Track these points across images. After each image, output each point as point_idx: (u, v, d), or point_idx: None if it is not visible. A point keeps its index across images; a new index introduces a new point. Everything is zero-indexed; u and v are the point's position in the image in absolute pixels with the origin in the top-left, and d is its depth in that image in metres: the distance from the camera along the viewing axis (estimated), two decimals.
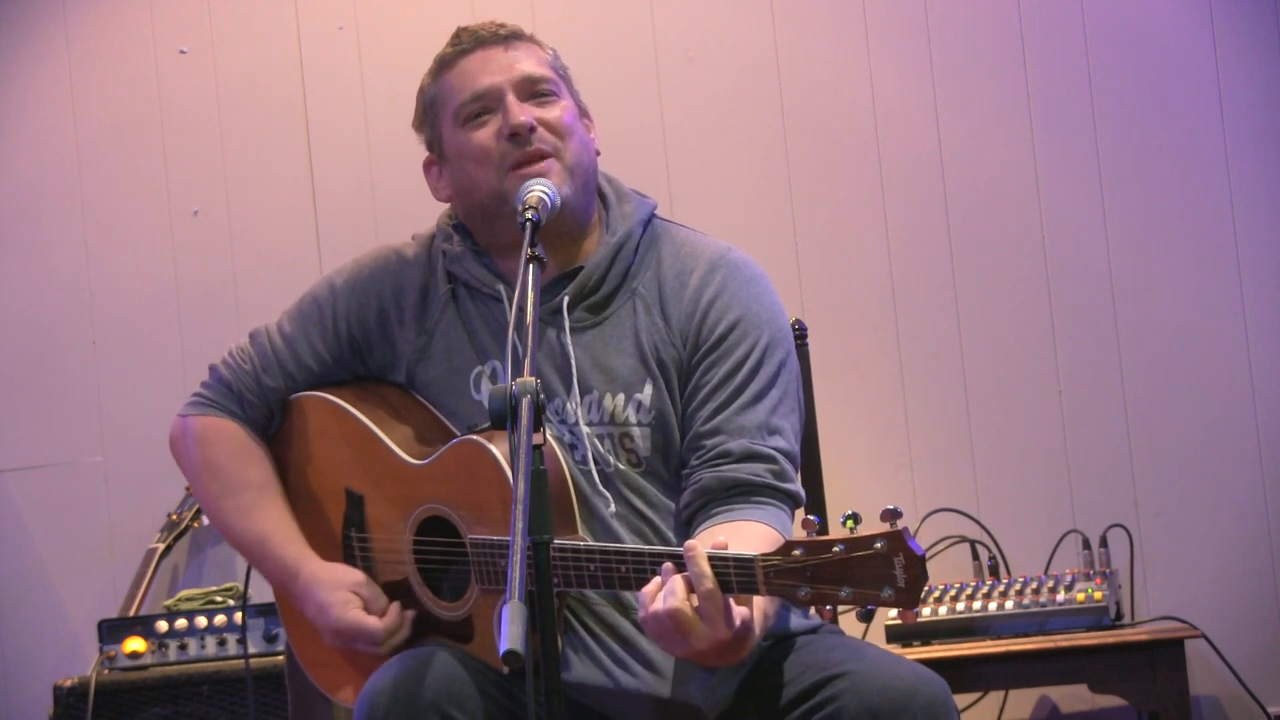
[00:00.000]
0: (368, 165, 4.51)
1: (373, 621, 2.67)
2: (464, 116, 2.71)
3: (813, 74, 4.42)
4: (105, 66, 4.59)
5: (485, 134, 2.69)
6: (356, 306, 2.82)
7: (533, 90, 2.69)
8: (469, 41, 2.73)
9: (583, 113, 2.77)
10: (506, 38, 2.72)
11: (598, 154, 2.77)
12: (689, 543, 2.32)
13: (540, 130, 2.66)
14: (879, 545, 2.20)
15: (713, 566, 2.30)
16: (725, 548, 2.31)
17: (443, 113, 2.75)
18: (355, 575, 2.73)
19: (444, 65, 2.75)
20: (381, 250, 2.86)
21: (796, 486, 2.64)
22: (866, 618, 2.24)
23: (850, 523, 2.26)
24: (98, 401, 4.52)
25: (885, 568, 2.20)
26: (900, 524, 2.21)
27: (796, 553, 2.25)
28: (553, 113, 2.69)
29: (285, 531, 2.79)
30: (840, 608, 2.25)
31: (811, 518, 2.29)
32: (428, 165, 2.83)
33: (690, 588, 2.30)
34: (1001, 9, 4.37)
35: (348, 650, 2.73)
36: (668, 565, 2.33)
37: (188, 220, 4.55)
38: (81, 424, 4.52)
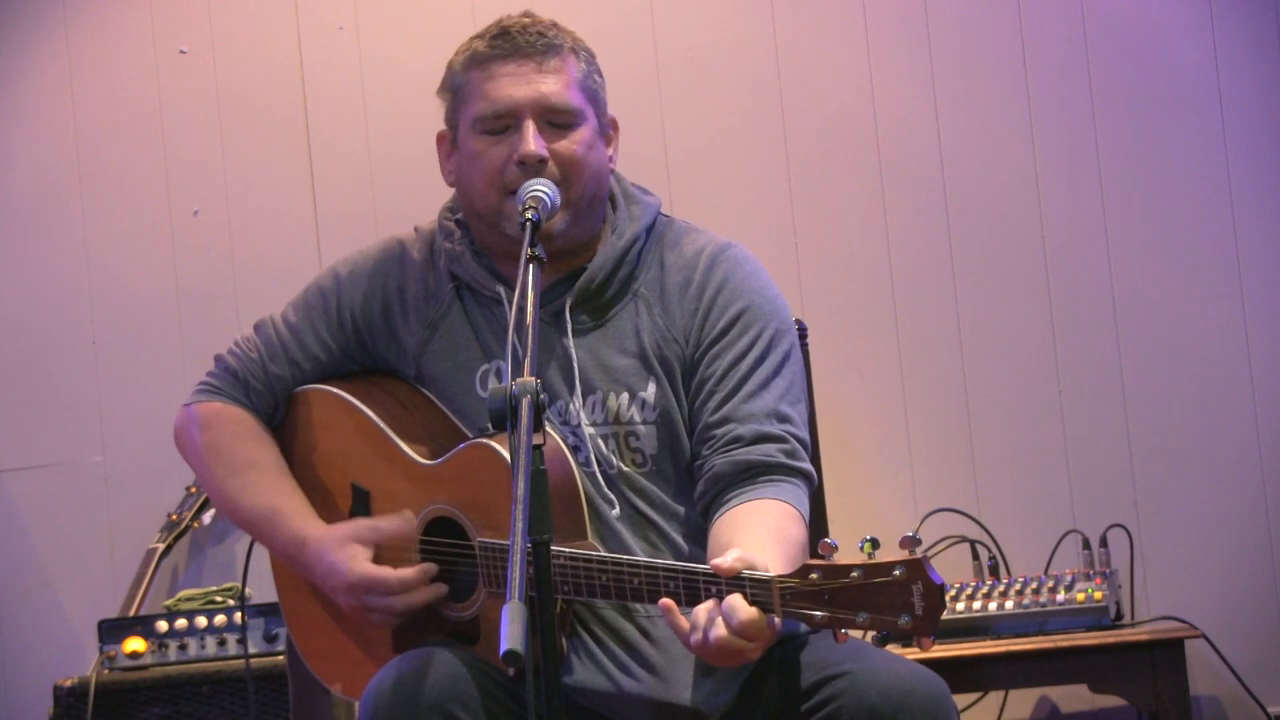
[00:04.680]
0: (368, 165, 4.51)
1: (385, 570, 2.62)
2: (482, 126, 2.68)
3: (813, 74, 4.42)
4: (105, 66, 4.58)
5: (497, 152, 2.66)
6: (361, 296, 2.81)
7: (553, 118, 2.67)
8: (506, 46, 2.67)
9: (604, 129, 2.73)
10: (544, 52, 2.67)
11: (612, 168, 2.75)
12: (716, 563, 2.32)
13: (550, 164, 2.64)
14: (898, 572, 2.18)
15: (730, 587, 2.29)
16: (738, 570, 2.30)
17: (463, 107, 2.71)
18: (357, 523, 2.69)
19: (475, 60, 2.70)
20: (386, 241, 2.86)
21: (809, 466, 2.65)
22: (882, 643, 2.21)
23: (869, 547, 2.23)
24: (98, 401, 4.52)
25: (903, 595, 2.17)
26: (920, 551, 2.19)
27: (814, 576, 2.23)
28: (567, 146, 2.66)
29: (292, 504, 2.77)
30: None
31: (829, 540, 2.26)
32: (441, 139, 2.79)
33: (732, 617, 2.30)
34: (1001, 9, 4.37)
35: (360, 618, 2.68)
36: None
37: (188, 220, 4.55)
38: (81, 424, 4.51)
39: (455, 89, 2.73)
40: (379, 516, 2.72)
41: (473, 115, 2.68)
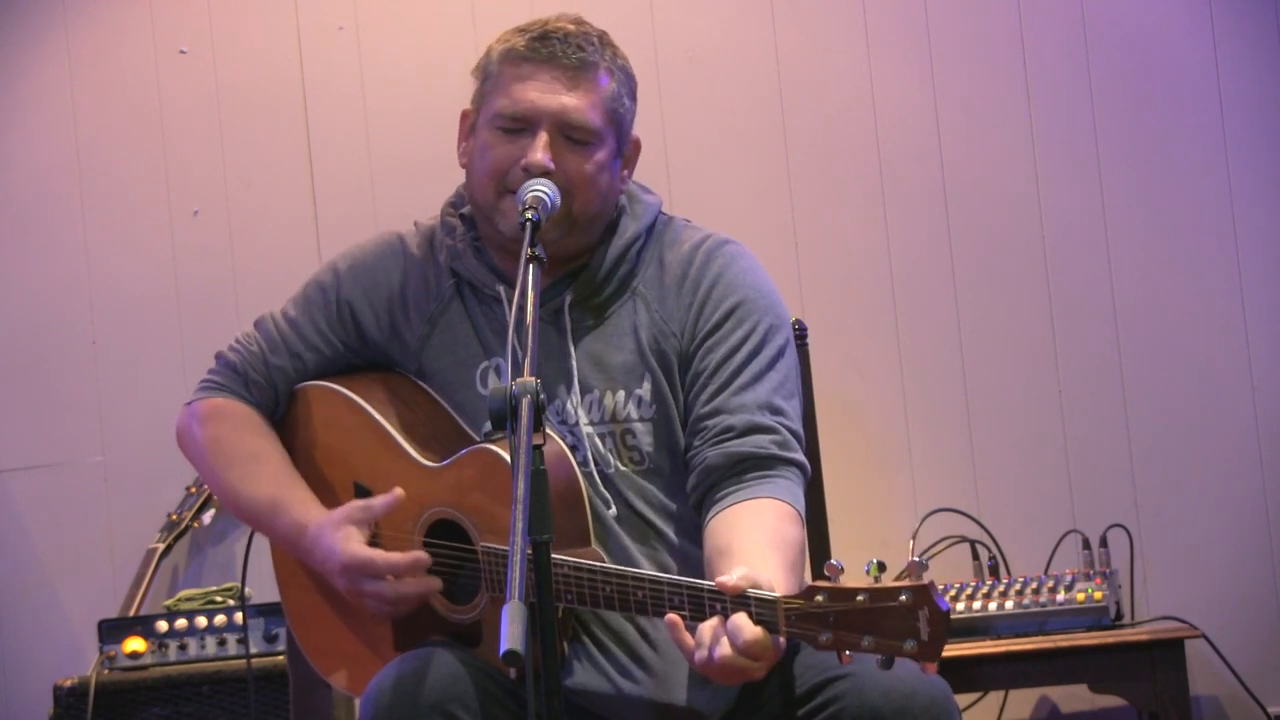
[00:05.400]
0: (368, 165, 4.50)
1: (375, 553, 2.61)
2: (499, 122, 2.68)
3: (813, 74, 4.42)
4: (105, 66, 4.58)
5: (506, 150, 2.66)
6: (360, 291, 2.82)
7: (570, 133, 2.66)
8: (543, 51, 2.66)
9: (622, 150, 2.73)
10: (577, 66, 2.66)
11: (623, 189, 2.75)
12: (721, 581, 2.31)
13: (555, 176, 2.63)
14: (904, 598, 2.17)
15: (735, 605, 2.29)
16: (743, 589, 2.29)
17: (488, 97, 2.71)
18: (352, 505, 2.68)
19: (510, 56, 2.69)
20: (385, 236, 2.86)
21: (802, 457, 2.64)
22: (887, 665, 2.20)
23: (875, 570, 2.22)
24: (98, 401, 4.52)
25: (909, 620, 2.16)
26: (926, 577, 2.18)
27: (820, 598, 2.22)
28: (578, 164, 2.66)
29: (293, 493, 2.77)
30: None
31: (834, 562, 2.25)
32: (464, 117, 2.78)
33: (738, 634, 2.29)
34: (1001, 9, 4.37)
35: (359, 605, 2.68)
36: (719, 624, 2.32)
37: (188, 220, 4.55)
38: (81, 424, 4.51)
39: (486, 75, 2.72)
40: (372, 498, 2.71)
41: (494, 109, 2.68)
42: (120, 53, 4.58)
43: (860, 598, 2.19)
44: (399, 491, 2.67)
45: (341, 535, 2.64)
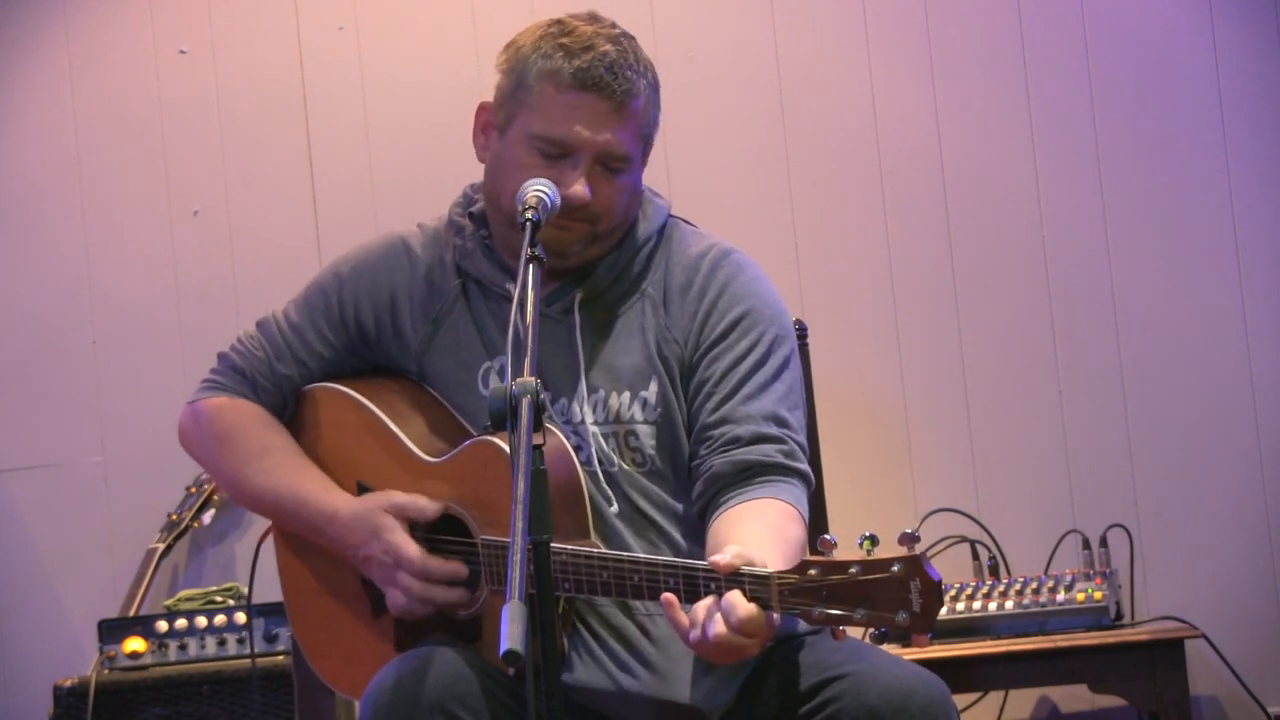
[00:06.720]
0: (368, 165, 4.51)
1: (413, 548, 2.62)
2: (538, 144, 2.65)
3: (813, 74, 4.42)
4: (105, 66, 4.58)
5: (542, 175, 2.62)
6: (363, 294, 2.81)
7: (607, 162, 2.65)
8: (589, 79, 2.63)
9: (645, 157, 2.74)
10: (624, 96, 2.64)
11: (641, 189, 2.76)
12: (714, 560, 2.31)
13: (589, 205, 2.64)
14: (896, 569, 2.18)
15: (729, 583, 2.29)
16: (736, 566, 2.30)
17: (524, 111, 2.67)
18: (389, 496, 2.68)
19: (554, 78, 2.64)
20: (388, 238, 2.85)
21: (807, 468, 2.65)
22: (880, 639, 2.22)
23: (868, 544, 2.23)
24: (98, 401, 4.52)
25: (901, 591, 2.18)
26: (918, 548, 2.19)
27: (812, 572, 2.23)
28: (609, 192, 2.65)
29: (317, 482, 2.76)
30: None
31: (828, 536, 2.26)
32: (482, 110, 2.75)
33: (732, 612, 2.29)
34: (1001, 9, 4.37)
35: (383, 587, 2.66)
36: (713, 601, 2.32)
37: (188, 220, 4.55)
38: (81, 424, 4.51)
39: (520, 84, 2.68)
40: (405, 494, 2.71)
41: (533, 129, 2.65)
42: (120, 53, 4.58)
43: (853, 570, 2.21)
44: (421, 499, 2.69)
45: (387, 524, 2.64)
